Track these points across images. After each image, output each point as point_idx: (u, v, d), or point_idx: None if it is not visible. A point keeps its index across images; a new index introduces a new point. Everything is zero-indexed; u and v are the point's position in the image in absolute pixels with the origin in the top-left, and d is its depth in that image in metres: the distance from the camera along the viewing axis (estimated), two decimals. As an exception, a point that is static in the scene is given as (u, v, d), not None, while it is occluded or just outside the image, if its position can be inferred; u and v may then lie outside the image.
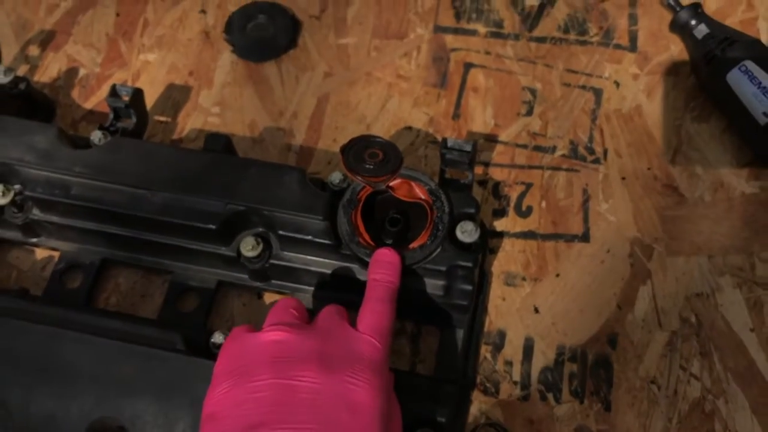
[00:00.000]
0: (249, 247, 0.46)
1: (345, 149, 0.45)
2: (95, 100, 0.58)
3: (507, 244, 0.52)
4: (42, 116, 0.56)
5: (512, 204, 0.53)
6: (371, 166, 0.45)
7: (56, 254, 0.52)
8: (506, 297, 0.50)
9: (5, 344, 0.43)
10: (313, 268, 0.47)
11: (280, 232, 0.46)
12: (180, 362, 0.42)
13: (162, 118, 0.57)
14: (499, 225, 0.52)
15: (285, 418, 0.34)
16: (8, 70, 0.53)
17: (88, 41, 0.61)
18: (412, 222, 0.47)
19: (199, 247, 0.48)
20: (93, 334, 0.43)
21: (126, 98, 0.52)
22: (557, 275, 0.51)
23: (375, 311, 0.40)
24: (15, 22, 0.62)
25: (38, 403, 0.42)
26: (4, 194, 0.48)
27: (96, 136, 0.50)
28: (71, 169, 0.47)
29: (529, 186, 0.54)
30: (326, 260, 0.47)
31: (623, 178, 0.54)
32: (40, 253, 0.52)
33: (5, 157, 0.48)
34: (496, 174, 0.54)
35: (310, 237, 0.46)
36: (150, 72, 0.59)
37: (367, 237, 0.46)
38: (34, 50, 0.61)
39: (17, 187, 0.48)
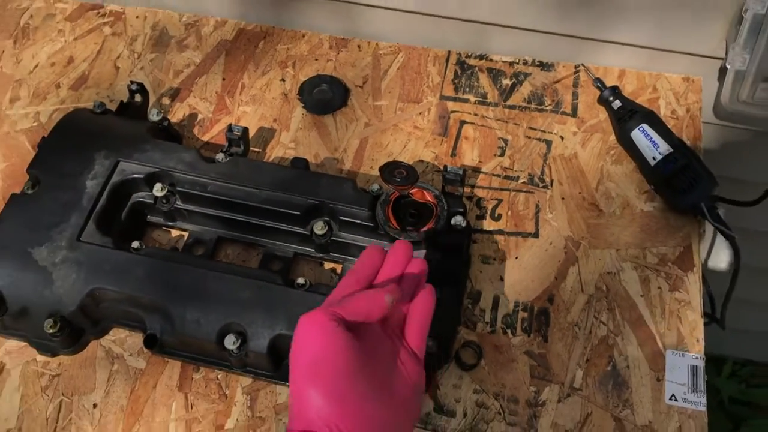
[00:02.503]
0: (319, 228, 0.73)
1: (382, 168, 0.72)
2: (209, 136, 0.86)
3: (484, 237, 0.78)
4: (174, 144, 0.83)
5: (488, 212, 0.80)
6: (398, 179, 0.71)
7: (185, 234, 0.78)
8: (482, 270, 0.76)
9: (169, 277, 0.69)
10: (359, 243, 0.74)
11: (340, 218, 0.73)
12: (280, 290, 0.68)
13: (255, 149, 0.84)
14: (480, 225, 0.79)
15: None
16: (158, 112, 0.81)
17: (203, 96, 0.89)
18: (424, 215, 0.73)
19: (285, 228, 0.74)
20: (224, 273, 0.69)
21: (237, 134, 0.79)
22: (516, 258, 0.77)
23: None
24: (152, 82, 0.90)
25: (189, 313, 0.67)
26: (162, 189, 0.75)
27: (219, 156, 0.77)
28: (208, 174, 0.74)
29: (500, 201, 0.80)
30: (368, 238, 0.73)
31: (563, 198, 0.80)
32: (174, 233, 0.79)
33: (164, 165, 0.75)
34: (479, 192, 0.81)
35: (359, 221, 0.72)
36: (246, 119, 0.87)
37: (394, 223, 0.72)
38: (165, 101, 0.89)
39: (169, 186, 0.75)
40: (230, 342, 0.66)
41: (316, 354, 0.49)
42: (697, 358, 0.71)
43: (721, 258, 0.85)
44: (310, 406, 0.48)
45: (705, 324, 0.75)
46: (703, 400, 0.69)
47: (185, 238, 0.78)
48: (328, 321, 0.50)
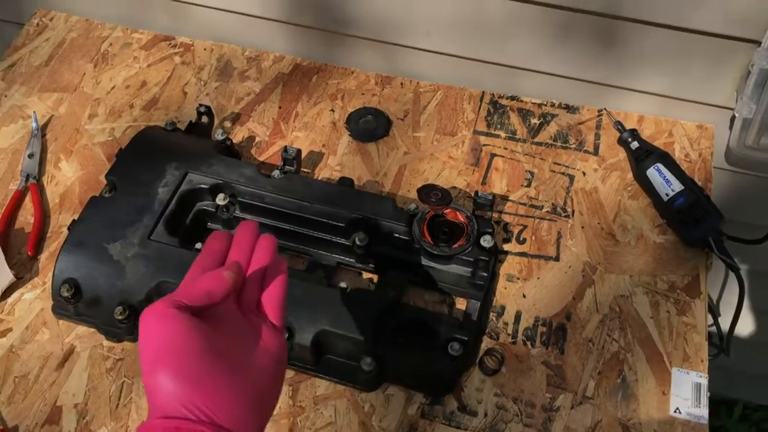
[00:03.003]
0: (361, 239, 0.81)
1: (419, 189, 0.81)
2: (264, 156, 0.95)
3: (510, 258, 0.86)
4: (233, 162, 0.93)
5: (514, 236, 0.88)
6: (434, 200, 0.80)
7: (240, 241, 0.87)
8: (507, 287, 0.84)
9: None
10: (396, 255, 0.82)
11: (380, 231, 0.81)
12: (324, 291, 0.76)
13: (305, 170, 0.93)
14: (506, 247, 0.87)
15: None
16: (222, 132, 0.91)
17: (261, 121, 0.99)
18: (456, 233, 0.81)
19: (330, 238, 0.83)
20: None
21: (292, 154, 0.88)
22: (538, 278, 0.84)
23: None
24: (216, 107, 1.00)
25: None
26: (224, 198, 0.84)
27: (275, 173, 0.86)
28: (265, 188, 0.83)
29: (525, 226, 0.88)
30: (404, 251, 0.82)
31: (582, 227, 0.88)
32: (230, 240, 0.88)
33: (227, 177, 0.84)
34: (506, 218, 0.89)
35: (396, 235, 0.81)
36: (298, 142, 0.96)
37: (429, 239, 0.80)
38: (227, 124, 0.99)
39: (230, 197, 0.84)
40: (279, 334, 0.74)
41: (159, 342, 0.48)
42: (701, 376, 0.77)
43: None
44: (162, 392, 0.47)
45: (713, 356, 0.81)
46: (705, 414, 0.75)
47: (240, 245, 0.86)
48: (168, 308, 0.50)
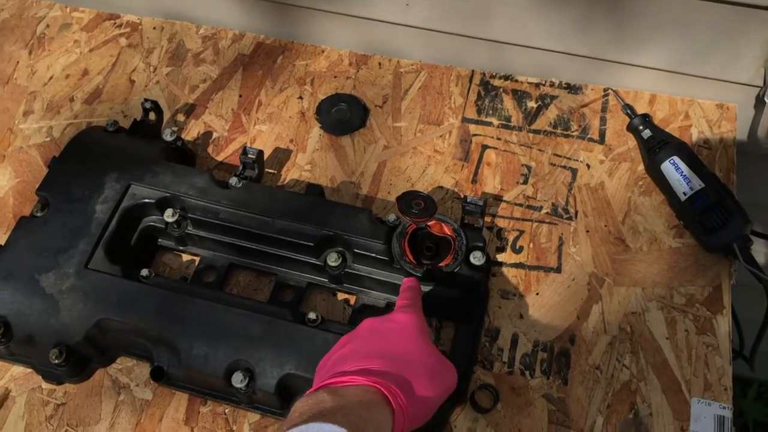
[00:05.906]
0: (333, 259, 0.70)
1: (399, 198, 0.69)
2: (223, 155, 0.83)
3: (504, 270, 0.75)
4: (187, 164, 0.81)
5: (509, 244, 0.77)
6: (416, 211, 0.69)
7: (197, 259, 0.76)
8: (501, 306, 0.73)
9: (177, 309, 0.67)
10: (373, 276, 0.71)
11: (354, 250, 0.70)
12: (290, 327, 0.66)
13: (270, 171, 0.82)
14: (500, 257, 0.76)
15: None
16: (172, 131, 0.79)
17: (219, 113, 0.87)
18: (442, 249, 0.70)
19: (298, 257, 0.72)
20: (233, 307, 0.67)
21: (252, 156, 0.77)
22: (537, 294, 0.74)
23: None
24: (167, 97, 0.88)
25: (197, 348, 0.65)
26: (173, 215, 0.73)
27: (233, 180, 0.74)
28: (220, 201, 0.72)
29: (521, 232, 0.77)
30: (382, 271, 0.71)
31: (587, 231, 0.77)
32: (185, 258, 0.77)
33: (175, 190, 0.73)
34: (500, 222, 0.78)
35: (373, 254, 0.70)
36: (262, 138, 0.84)
37: (410, 257, 0.69)
38: (180, 117, 0.86)
39: (180, 211, 0.73)
40: (238, 380, 0.64)
41: None
42: (724, 408, 0.68)
43: None
44: None
45: (732, 359, 0.72)
46: (730, 452, 0.66)
47: (196, 263, 0.76)
48: None
